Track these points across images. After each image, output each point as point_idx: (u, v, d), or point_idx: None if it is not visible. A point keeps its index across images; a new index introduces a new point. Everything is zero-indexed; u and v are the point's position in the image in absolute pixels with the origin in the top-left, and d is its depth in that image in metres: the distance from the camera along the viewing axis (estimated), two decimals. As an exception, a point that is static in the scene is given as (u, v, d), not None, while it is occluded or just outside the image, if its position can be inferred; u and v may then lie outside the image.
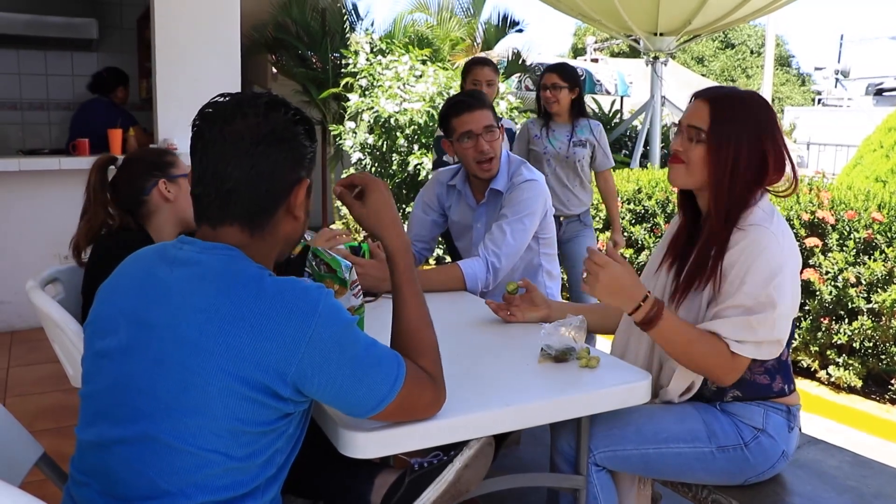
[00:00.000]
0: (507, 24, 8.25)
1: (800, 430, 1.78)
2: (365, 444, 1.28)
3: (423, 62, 6.31)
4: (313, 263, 1.63)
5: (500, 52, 8.57)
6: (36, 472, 1.48)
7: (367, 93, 6.11)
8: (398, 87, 5.87)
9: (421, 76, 5.99)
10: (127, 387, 1.16)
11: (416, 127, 5.77)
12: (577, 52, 25.76)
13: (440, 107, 5.73)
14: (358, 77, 6.21)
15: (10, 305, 4.44)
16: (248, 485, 1.15)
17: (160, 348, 1.14)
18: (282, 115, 1.21)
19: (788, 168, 1.67)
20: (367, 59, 6.25)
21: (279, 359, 1.11)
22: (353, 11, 7.32)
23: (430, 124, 5.76)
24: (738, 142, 1.63)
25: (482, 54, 7.71)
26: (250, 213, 1.21)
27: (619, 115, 9.21)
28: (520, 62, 8.09)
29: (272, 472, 1.19)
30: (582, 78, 10.44)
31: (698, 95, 1.71)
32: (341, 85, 6.38)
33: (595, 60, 16.34)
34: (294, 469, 1.29)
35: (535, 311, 1.97)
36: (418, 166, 5.65)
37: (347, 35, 6.75)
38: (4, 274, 4.34)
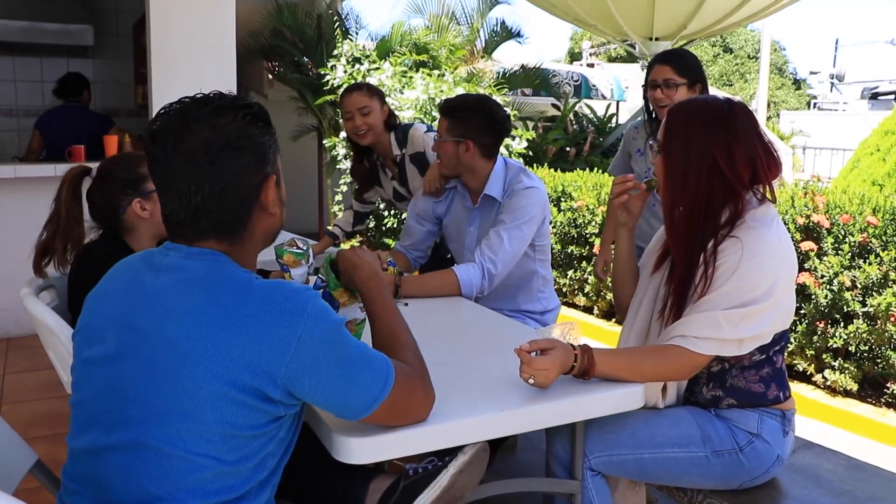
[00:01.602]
0: (507, 33, 8.19)
1: (794, 433, 1.78)
2: (359, 450, 1.28)
3: (417, 68, 6.29)
4: (331, 274, 1.63)
5: (506, 62, 8.53)
6: (30, 479, 1.48)
7: None
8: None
9: (408, 83, 5.96)
10: (117, 393, 1.16)
11: None
12: (574, 56, 25.79)
13: (432, 114, 5.74)
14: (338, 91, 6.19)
15: (5, 312, 4.43)
16: (240, 489, 1.15)
17: (149, 354, 1.14)
18: (231, 122, 1.17)
19: (782, 172, 1.67)
20: (345, 71, 6.21)
21: (269, 360, 1.11)
22: (347, 17, 7.31)
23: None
24: (687, 153, 1.63)
25: (482, 62, 7.68)
26: (224, 225, 1.20)
27: (614, 120, 9.23)
28: (527, 74, 7.91)
29: (264, 476, 1.19)
30: (577, 83, 10.40)
31: (668, 109, 1.72)
32: (328, 97, 6.37)
33: (591, 65, 16.36)
34: (288, 474, 1.29)
35: (630, 216, 1.88)
36: None
37: (339, 42, 6.73)
38: (0, 281, 4.33)
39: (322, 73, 6.31)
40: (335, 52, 6.44)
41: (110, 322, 1.21)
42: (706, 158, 1.62)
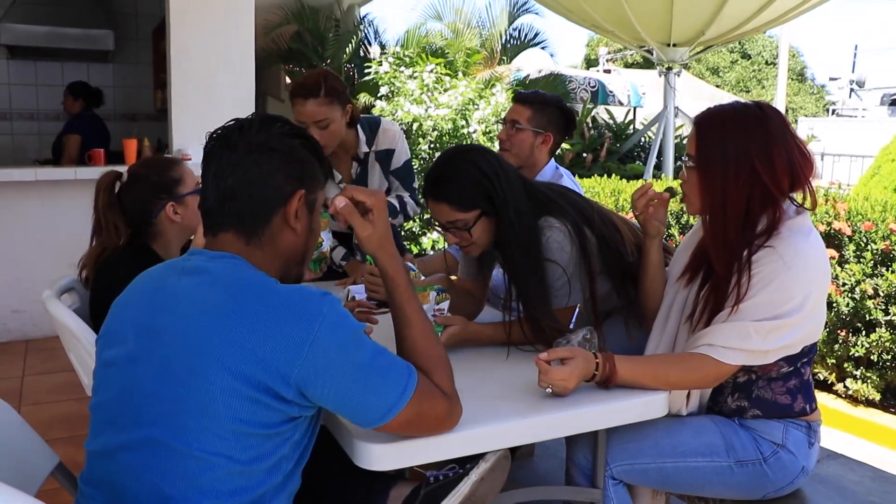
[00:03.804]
0: (526, 38, 8.13)
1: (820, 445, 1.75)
2: (380, 456, 1.27)
3: (452, 75, 6.30)
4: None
5: (526, 69, 8.50)
6: (51, 479, 1.48)
7: (388, 100, 6.13)
8: (425, 95, 5.90)
9: (448, 89, 5.99)
10: (132, 393, 1.17)
11: (439, 133, 5.80)
12: (590, 62, 25.76)
13: (463, 115, 5.75)
14: (380, 84, 6.22)
15: (25, 314, 4.47)
16: (253, 491, 1.15)
17: (165, 352, 1.15)
18: (276, 128, 1.27)
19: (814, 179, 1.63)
20: (391, 66, 6.28)
21: (281, 359, 1.11)
22: (363, 23, 7.34)
23: (456, 131, 5.80)
24: (725, 162, 1.58)
25: (502, 67, 7.65)
26: (242, 217, 1.24)
27: (632, 126, 9.21)
28: (547, 81, 7.81)
29: (279, 480, 1.18)
30: (594, 89, 10.39)
31: (694, 121, 1.69)
32: (359, 98, 6.39)
33: (608, 71, 16.32)
34: (307, 480, 1.29)
35: (661, 224, 1.82)
36: None
37: (350, 45, 6.76)
38: (20, 283, 4.37)
39: (354, 71, 6.36)
40: (381, 53, 6.51)
41: (130, 325, 1.22)
42: (745, 165, 1.57)
